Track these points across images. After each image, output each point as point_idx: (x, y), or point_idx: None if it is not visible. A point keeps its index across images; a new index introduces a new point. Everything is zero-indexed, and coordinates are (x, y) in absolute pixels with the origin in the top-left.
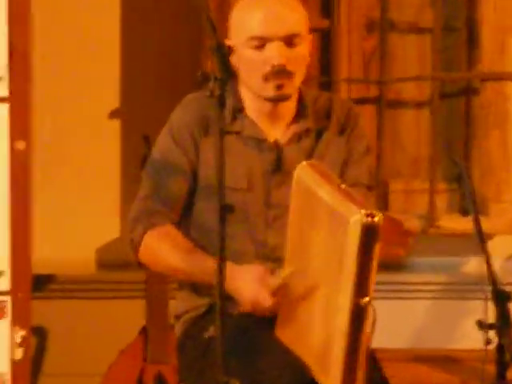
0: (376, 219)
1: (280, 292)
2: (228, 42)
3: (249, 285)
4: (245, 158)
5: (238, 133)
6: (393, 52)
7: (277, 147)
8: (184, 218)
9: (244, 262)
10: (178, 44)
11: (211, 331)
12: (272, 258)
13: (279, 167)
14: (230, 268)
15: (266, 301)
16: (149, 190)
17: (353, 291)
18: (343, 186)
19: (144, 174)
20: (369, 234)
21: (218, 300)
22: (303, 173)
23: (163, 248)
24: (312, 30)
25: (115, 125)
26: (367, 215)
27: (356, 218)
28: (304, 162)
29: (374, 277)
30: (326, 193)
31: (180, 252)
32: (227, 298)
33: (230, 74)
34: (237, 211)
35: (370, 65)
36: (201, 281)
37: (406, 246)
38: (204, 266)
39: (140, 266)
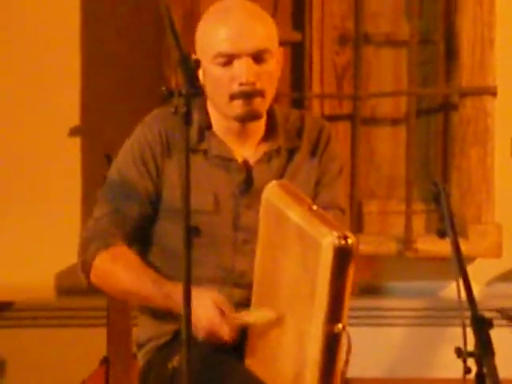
0: (349, 241)
1: (239, 329)
2: (195, 56)
3: (208, 312)
4: (211, 179)
5: (204, 152)
6: (367, 66)
7: (246, 167)
8: (143, 243)
9: (210, 288)
10: (141, 58)
11: (176, 360)
12: (240, 285)
13: (248, 188)
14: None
15: (224, 333)
16: (104, 211)
17: (325, 318)
18: (314, 206)
19: (100, 193)
20: (342, 257)
21: (185, 327)
22: (272, 193)
23: (117, 269)
24: (283, 44)
25: (76, 143)
26: (340, 237)
27: (328, 240)
28: (273, 182)
29: (348, 302)
30: (296, 214)
31: (135, 274)
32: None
33: (196, 90)
34: (203, 235)
35: (344, 80)
36: (157, 304)
37: (370, 268)
38: (163, 288)
39: (91, 286)
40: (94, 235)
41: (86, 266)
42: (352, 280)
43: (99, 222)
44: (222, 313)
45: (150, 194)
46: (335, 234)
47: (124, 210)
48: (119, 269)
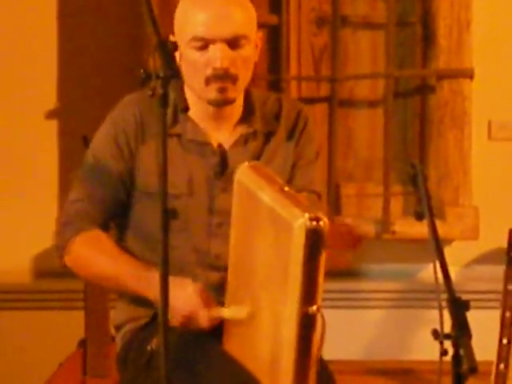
0: (321, 223)
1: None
2: (173, 39)
3: (191, 297)
4: (186, 163)
5: (178, 136)
6: (345, 48)
7: (220, 151)
8: (120, 227)
9: (186, 271)
10: (119, 41)
11: (154, 343)
12: (216, 267)
13: (223, 171)
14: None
15: (204, 321)
16: (80, 194)
17: (300, 299)
18: (286, 188)
19: (76, 176)
20: (314, 239)
21: (162, 311)
22: (244, 175)
23: (92, 254)
24: (260, 26)
25: (53, 125)
26: (311, 219)
27: (300, 222)
28: (245, 163)
29: (322, 284)
30: (268, 196)
31: (111, 258)
32: None
33: (174, 73)
34: (178, 218)
35: (321, 62)
36: (133, 290)
37: (355, 250)
38: (141, 274)
39: (67, 270)
40: (69, 219)
41: (60, 250)
42: (326, 261)
43: (74, 205)
44: (205, 303)
45: (124, 177)
46: (307, 215)
47: (98, 195)
48: (94, 253)
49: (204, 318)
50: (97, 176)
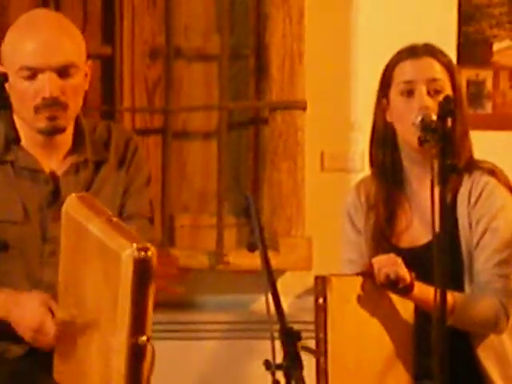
0: (149, 253)
1: (64, 325)
2: (1, 69)
3: (34, 312)
4: (20, 190)
5: (11, 163)
6: (178, 80)
7: (53, 179)
8: None
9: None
10: None
11: None
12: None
13: (55, 200)
14: (14, 295)
15: (51, 329)
16: None
17: (129, 330)
18: (114, 219)
19: None
20: (142, 269)
21: None
22: (71, 206)
23: None
24: (93, 57)
25: None
26: (139, 249)
27: (127, 252)
28: (72, 195)
29: (151, 313)
30: (95, 227)
31: None
32: (3, 340)
33: (2, 103)
34: (12, 245)
35: (155, 94)
36: None
37: (181, 281)
38: None
39: None
40: None
41: None
42: (155, 291)
43: None
44: (49, 311)
45: None
46: (135, 245)
47: None
48: None
49: (51, 328)
50: None
